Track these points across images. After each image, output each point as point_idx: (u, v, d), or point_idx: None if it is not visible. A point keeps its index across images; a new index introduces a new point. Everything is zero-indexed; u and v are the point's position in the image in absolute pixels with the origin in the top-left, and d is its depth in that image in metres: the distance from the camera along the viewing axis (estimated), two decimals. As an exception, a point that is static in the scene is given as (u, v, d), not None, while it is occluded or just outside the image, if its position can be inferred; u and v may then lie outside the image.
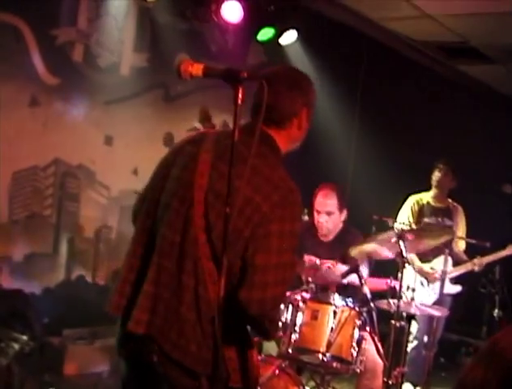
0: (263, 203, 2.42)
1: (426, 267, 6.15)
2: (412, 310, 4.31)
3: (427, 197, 6.43)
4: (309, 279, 4.41)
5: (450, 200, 6.46)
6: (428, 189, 6.46)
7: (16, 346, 5.00)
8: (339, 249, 4.90)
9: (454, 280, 6.14)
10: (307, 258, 4.92)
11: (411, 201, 6.44)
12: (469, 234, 6.35)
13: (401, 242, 4.02)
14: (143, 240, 2.62)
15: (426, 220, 6.31)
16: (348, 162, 8.48)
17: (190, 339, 2.44)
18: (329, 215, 4.96)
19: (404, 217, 6.31)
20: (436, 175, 6.36)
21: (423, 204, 6.38)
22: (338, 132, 7.92)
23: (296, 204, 2.52)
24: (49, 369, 5.34)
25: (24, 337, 5.09)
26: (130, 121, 6.36)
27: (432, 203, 6.40)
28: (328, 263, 4.67)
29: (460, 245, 6.30)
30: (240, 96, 2.31)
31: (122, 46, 6.37)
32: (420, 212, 6.35)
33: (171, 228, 2.53)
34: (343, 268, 4.53)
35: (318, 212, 5.00)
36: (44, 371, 5.27)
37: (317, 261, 4.63)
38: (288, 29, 6.57)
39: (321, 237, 5.09)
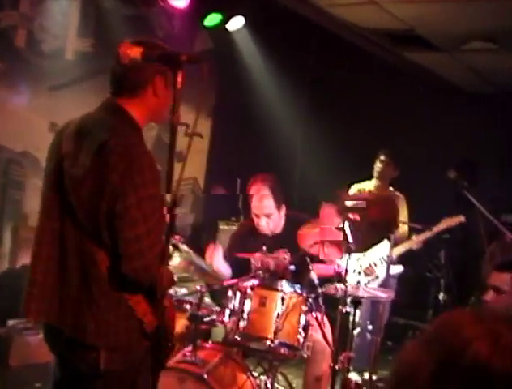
0: (111, 173, 2.46)
1: (365, 258, 6.18)
2: (360, 294, 4.33)
3: (369, 186, 6.49)
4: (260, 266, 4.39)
5: (391, 189, 6.52)
6: (370, 177, 6.51)
7: (-41, 337, 4.91)
8: (288, 238, 4.76)
9: (397, 261, 6.22)
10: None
11: (354, 190, 6.48)
12: (416, 220, 6.43)
13: (346, 227, 4.01)
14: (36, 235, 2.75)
15: None
16: (297, 148, 8.50)
17: (87, 318, 2.57)
18: (268, 217, 4.82)
19: None
20: (377, 166, 6.41)
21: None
22: (287, 119, 7.93)
23: (146, 169, 2.53)
24: (-6, 361, 5.26)
25: (-32, 328, 5.00)
26: (75, 107, 6.10)
27: (374, 192, 6.44)
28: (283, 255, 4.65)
29: (403, 233, 6.37)
30: (179, 79, 2.31)
31: (66, 31, 6.25)
32: None
33: (49, 217, 2.66)
34: None
35: (257, 216, 4.86)
36: (-12, 362, 5.20)
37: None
38: (234, 15, 6.55)
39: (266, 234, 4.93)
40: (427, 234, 6.11)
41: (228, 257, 4.98)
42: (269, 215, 4.82)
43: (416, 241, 6.11)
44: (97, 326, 2.56)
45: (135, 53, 2.42)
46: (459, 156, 8.19)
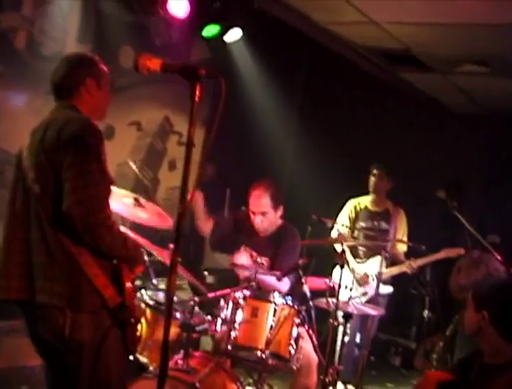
0: (58, 138, 2.88)
1: (360, 269, 6.25)
2: (350, 309, 4.40)
3: (366, 201, 6.54)
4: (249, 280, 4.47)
5: (390, 202, 6.57)
6: (368, 192, 6.57)
7: None
8: (274, 244, 4.98)
9: (389, 281, 6.26)
10: (244, 249, 4.98)
11: (350, 205, 6.54)
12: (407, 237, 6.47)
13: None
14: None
15: (362, 224, 6.42)
16: (286, 161, 8.55)
17: (53, 281, 2.82)
18: (264, 215, 4.98)
19: (343, 220, 6.40)
20: (371, 180, 6.47)
21: (360, 209, 6.49)
22: (277, 131, 7.99)
23: (86, 134, 2.88)
24: (-19, 362, 5.24)
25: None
26: (71, 111, 6.24)
27: (370, 207, 6.51)
28: (262, 260, 4.78)
29: (400, 247, 6.38)
30: (197, 93, 2.36)
31: (66, 35, 6.25)
32: (356, 218, 6.45)
33: (17, 201, 3.03)
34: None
35: (253, 213, 5.01)
36: (-25, 363, 5.18)
37: (254, 253, 4.72)
38: (232, 27, 6.59)
39: (258, 232, 5.14)
40: (424, 261, 6.15)
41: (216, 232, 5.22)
42: (264, 213, 4.97)
43: (411, 267, 6.14)
44: (61, 288, 2.80)
45: (155, 64, 2.47)
46: (447, 176, 8.28)
